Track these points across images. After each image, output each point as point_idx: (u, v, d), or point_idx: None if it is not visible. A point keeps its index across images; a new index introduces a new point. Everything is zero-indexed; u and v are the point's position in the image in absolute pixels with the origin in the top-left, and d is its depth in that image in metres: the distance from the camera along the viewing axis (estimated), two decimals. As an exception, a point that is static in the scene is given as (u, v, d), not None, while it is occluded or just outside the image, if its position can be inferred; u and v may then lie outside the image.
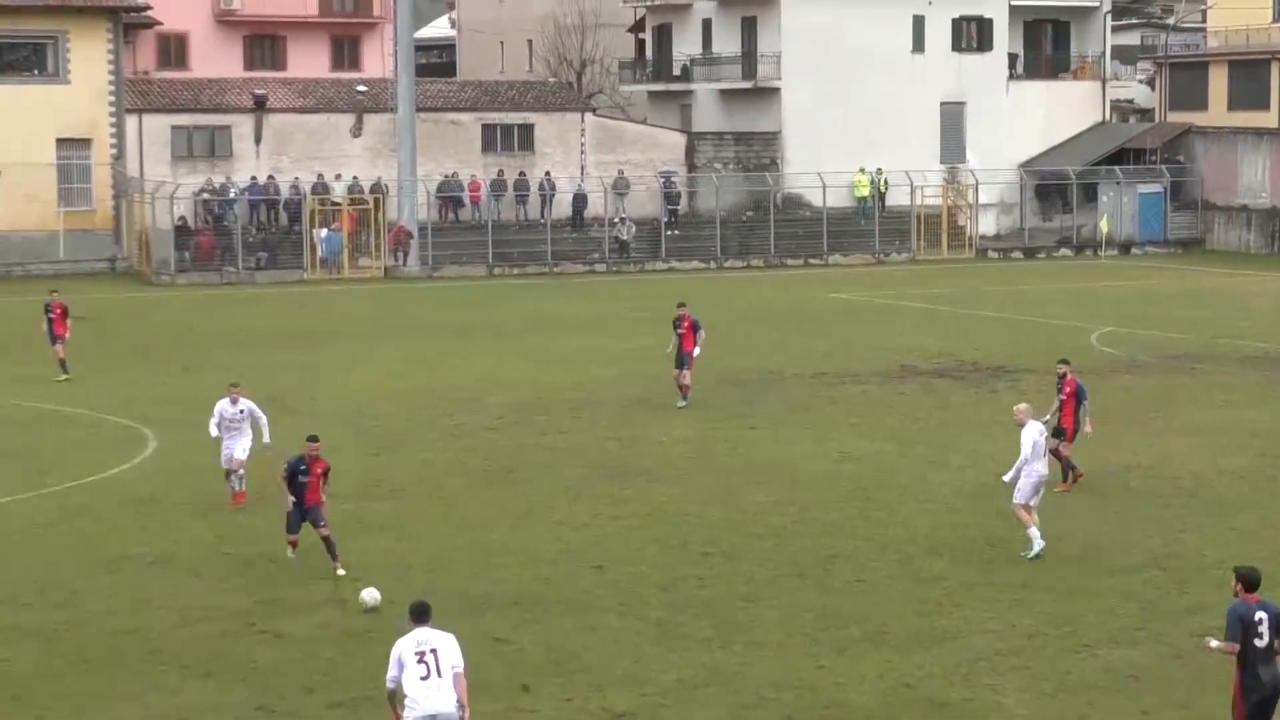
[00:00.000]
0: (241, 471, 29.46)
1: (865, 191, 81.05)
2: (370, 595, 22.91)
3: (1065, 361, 31.41)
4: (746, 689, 20.18)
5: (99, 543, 26.58)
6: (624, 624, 22.65)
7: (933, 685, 20.30)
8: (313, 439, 26.01)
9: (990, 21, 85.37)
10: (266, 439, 29.48)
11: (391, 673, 16.31)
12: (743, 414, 38.55)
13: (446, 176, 77.62)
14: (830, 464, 33.04)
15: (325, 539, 24.99)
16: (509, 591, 24.15)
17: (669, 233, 78.15)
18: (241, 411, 29.50)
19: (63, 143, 74.64)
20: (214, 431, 29.49)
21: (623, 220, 77.34)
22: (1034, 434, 26.13)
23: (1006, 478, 26.34)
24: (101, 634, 22.16)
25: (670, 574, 25.06)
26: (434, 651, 16.18)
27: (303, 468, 25.26)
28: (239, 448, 29.32)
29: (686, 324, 39.55)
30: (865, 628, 22.42)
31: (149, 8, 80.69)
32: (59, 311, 44.91)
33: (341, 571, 24.60)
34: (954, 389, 41.53)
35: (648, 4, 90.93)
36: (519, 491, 30.74)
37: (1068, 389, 30.38)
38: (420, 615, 16.54)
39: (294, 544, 25.46)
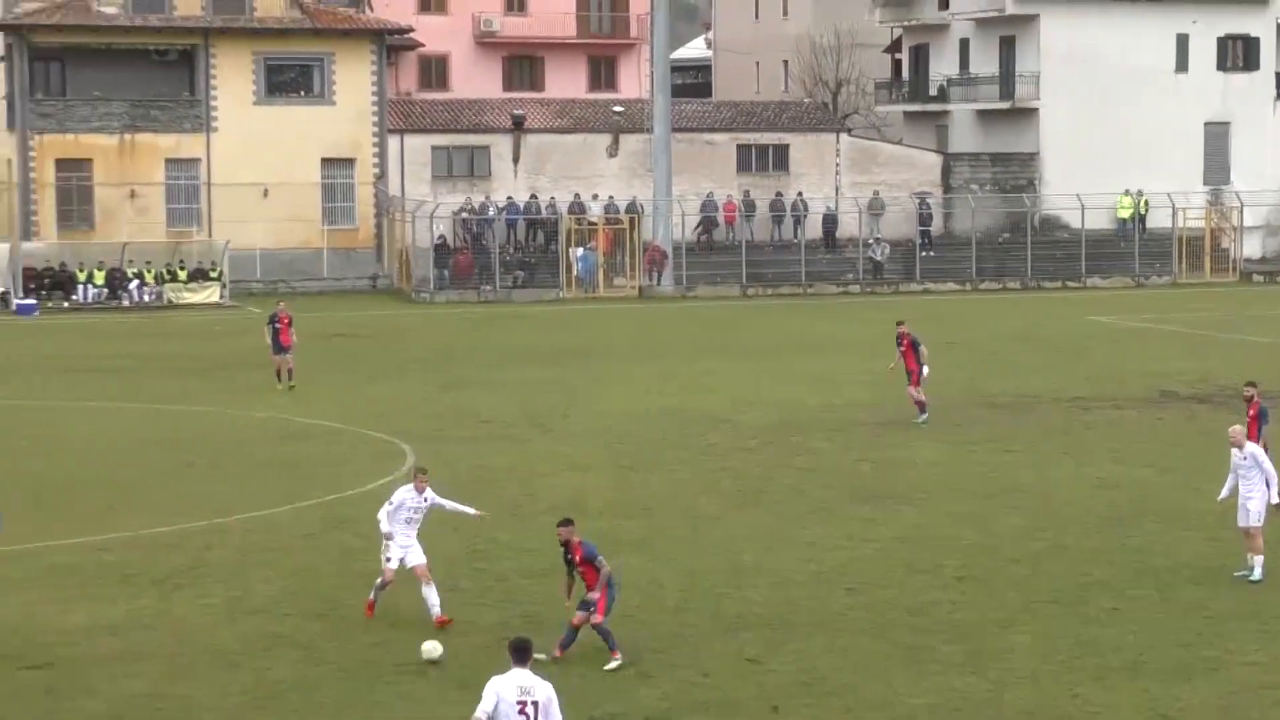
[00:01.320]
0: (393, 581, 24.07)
1: (1128, 214, 79.69)
2: (431, 648, 21.84)
3: (1253, 384, 30.76)
4: (999, 717, 19.89)
5: (358, 555, 27.03)
6: (875, 647, 22.47)
7: (1193, 718, 19.84)
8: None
9: (1256, 40, 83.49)
10: (473, 511, 25.12)
11: (485, 708, 15.47)
12: (998, 438, 38.08)
13: (703, 197, 77.92)
14: (1087, 490, 32.49)
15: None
16: (760, 612, 24.09)
17: (924, 254, 77.57)
18: (426, 501, 24.07)
19: (327, 162, 76.36)
20: (384, 525, 23.80)
21: (877, 241, 76.96)
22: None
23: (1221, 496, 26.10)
24: (359, 645, 22.54)
25: (921, 598, 24.81)
26: (536, 704, 15.52)
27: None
28: (412, 555, 23.64)
29: (906, 342, 39.77)
30: (1123, 657, 21.98)
31: (411, 30, 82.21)
32: (285, 322, 46.00)
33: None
34: (1215, 415, 40.55)
35: (904, 24, 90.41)
36: (771, 512, 30.68)
37: (1252, 411, 29.82)
38: (521, 655, 15.83)
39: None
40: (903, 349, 39.88)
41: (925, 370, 39.66)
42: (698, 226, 77.49)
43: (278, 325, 46.02)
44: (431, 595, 23.40)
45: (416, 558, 23.59)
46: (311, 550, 27.93)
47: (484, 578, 26.06)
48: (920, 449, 36.68)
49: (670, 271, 74.42)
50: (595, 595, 21.77)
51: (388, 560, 23.77)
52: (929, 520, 29.83)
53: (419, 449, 36.70)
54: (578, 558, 21.93)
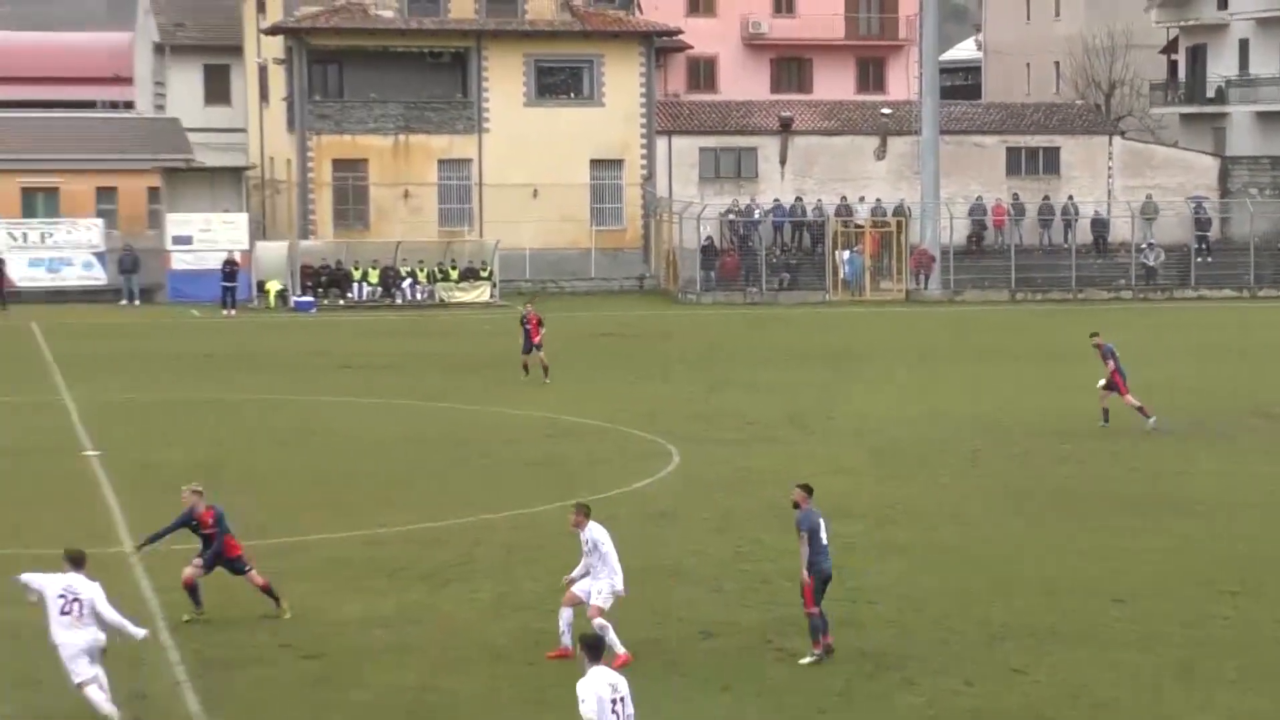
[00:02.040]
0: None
1: None
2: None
3: None
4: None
5: (621, 554, 27.18)
6: (1144, 660, 22.04)
7: None
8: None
9: None
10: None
11: (590, 711, 15.39)
12: (1275, 449, 37.12)
13: (971, 200, 77.13)
14: (1368, 503, 31.55)
15: None
16: (1027, 622, 23.76)
17: (1199, 260, 75.90)
18: (588, 544, 22.25)
19: (596, 164, 77.05)
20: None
21: (1150, 246, 75.49)
22: None
23: None
24: (623, 641, 22.65)
25: (1195, 610, 24.27)
26: (623, 699, 15.59)
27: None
28: (595, 591, 21.91)
29: (1101, 352, 39.44)
30: (1405, 677, 21.29)
31: (680, 32, 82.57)
32: (534, 322, 47.10)
33: None
34: None
35: (1181, 24, 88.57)
36: (1037, 520, 30.26)
37: None
38: (597, 653, 15.83)
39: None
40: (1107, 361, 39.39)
41: (1104, 380, 39.19)
42: (970, 233, 76.73)
43: (527, 326, 47.15)
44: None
45: (599, 597, 21.93)
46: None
47: (748, 579, 26.06)
48: (1193, 458, 35.93)
49: (937, 275, 73.79)
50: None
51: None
52: (1201, 531, 29.19)
53: (683, 449, 36.86)
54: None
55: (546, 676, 21.33)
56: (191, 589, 23.74)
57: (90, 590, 19.51)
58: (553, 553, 27.75)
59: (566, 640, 21.77)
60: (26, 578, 19.85)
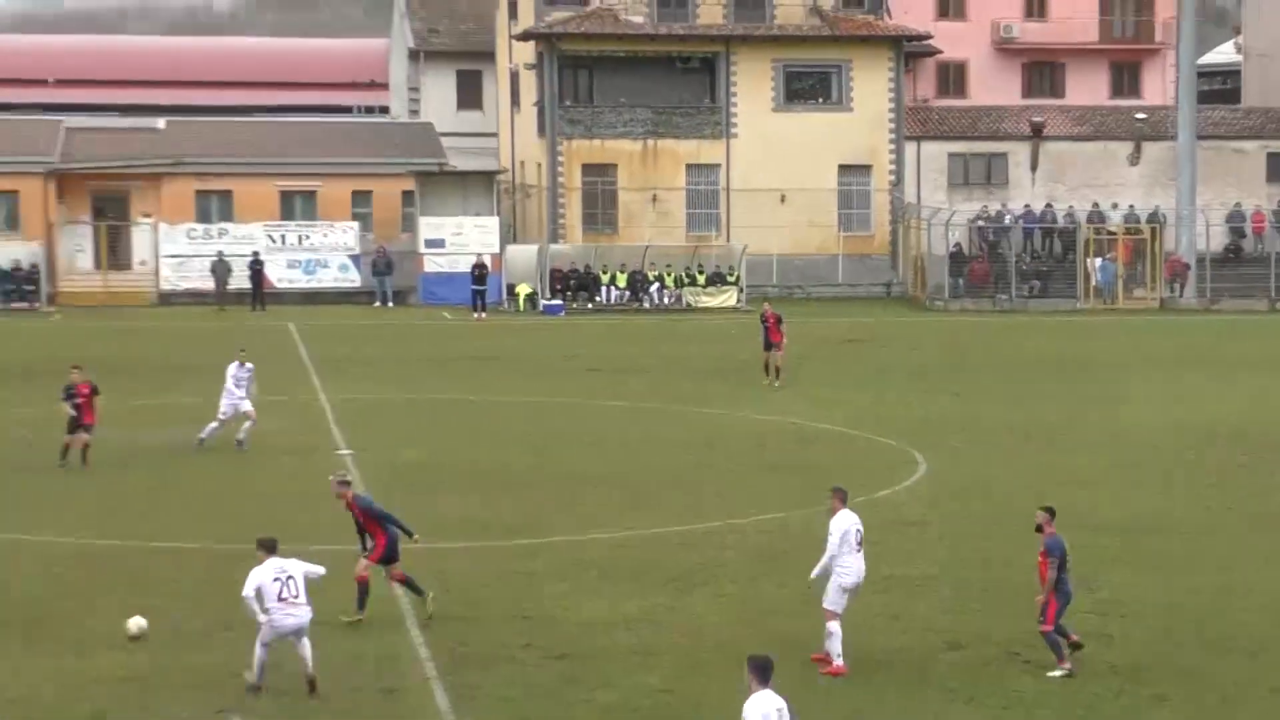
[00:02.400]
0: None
1: None
2: (135, 623, 21.63)
3: None
4: None
5: (869, 562, 27.09)
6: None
7: None
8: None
9: None
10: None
11: None
12: None
13: (1229, 207, 75.51)
14: None
15: None
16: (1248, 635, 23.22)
17: None
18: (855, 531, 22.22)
19: (844, 169, 76.80)
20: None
21: None
22: None
23: None
24: (869, 650, 22.58)
25: None
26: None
27: None
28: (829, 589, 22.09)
29: None
30: None
31: (930, 37, 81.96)
32: (773, 321, 47.82)
33: None
34: None
35: None
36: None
37: None
38: (766, 674, 15.76)
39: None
40: None
41: None
42: (1228, 242, 75.15)
43: (766, 324, 47.83)
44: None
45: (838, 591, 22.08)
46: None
47: (995, 590, 25.79)
48: None
49: (1193, 283, 72.35)
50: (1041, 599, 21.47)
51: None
52: None
53: (930, 457, 36.62)
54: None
55: (789, 682, 21.31)
56: (364, 587, 23.77)
57: (293, 566, 20.85)
58: (799, 558, 27.68)
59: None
60: (248, 593, 20.58)
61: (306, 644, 20.63)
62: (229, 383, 37.99)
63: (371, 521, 24.02)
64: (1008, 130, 78.83)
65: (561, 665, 22.04)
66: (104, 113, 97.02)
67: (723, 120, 76.92)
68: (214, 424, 37.68)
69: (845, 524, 22.11)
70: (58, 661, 21.86)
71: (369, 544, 23.97)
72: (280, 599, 20.50)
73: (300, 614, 20.60)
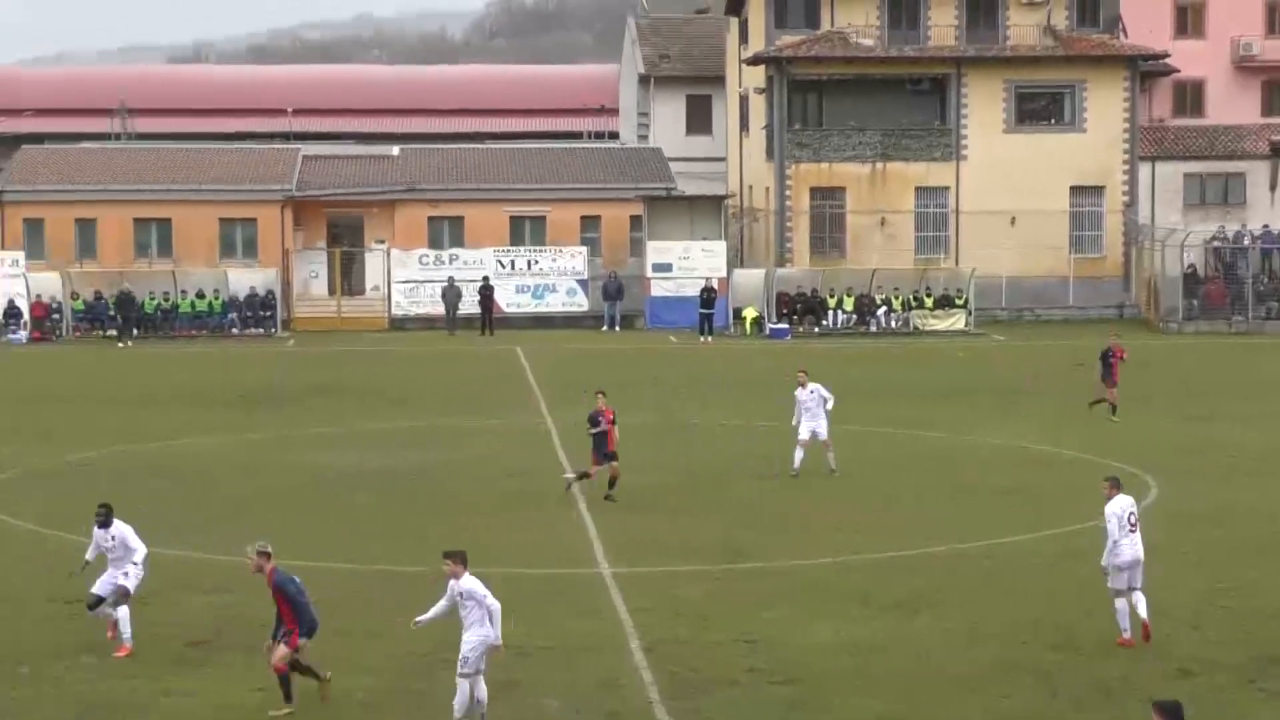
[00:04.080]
0: None
1: None
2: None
3: None
4: None
5: (1095, 587, 26.60)
6: None
7: None
8: None
9: None
10: None
11: None
12: None
13: None
14: None
15: None
16: None
17: None
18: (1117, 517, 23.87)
19: (1076, 190, 75.79)
20: None
21: None
22: None
23: None
24: (1095, 678, 22.14)
25: None
26: None
27: None
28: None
29: None
30: None
31: (1167, 55, 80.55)
32: (1119, 355, 45.63)
33: None
34: None
35: None
36: None
37: None
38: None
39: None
40: None
41: None
42: None
43: (1111, 359, 45.55)
44: None
45: None
46: (1050, 579, 27.65)
47: (1228, 617, 25.16)
48: None
49: None
50: None
51: None
52: None
53: (1161, 481, 35.88)
54: None
55: (1018, 710, 20.97)
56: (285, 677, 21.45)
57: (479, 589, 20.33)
58: (1026, 584, 27.32)
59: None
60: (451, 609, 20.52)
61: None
62: (802, 405, 37.46)
63: (285, 602, 21.01)
64: (1246, 150, 77.23)
65: (785, 690, 21.87)
66: (339, 141, 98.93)
67: (953, 142, 76.29)
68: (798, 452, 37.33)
69: (1118, 508, 23.63)
70: (296, 682, 22.12)
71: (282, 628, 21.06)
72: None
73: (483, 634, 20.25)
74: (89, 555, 24.01)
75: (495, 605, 20.21)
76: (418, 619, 20.94)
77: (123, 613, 23.39)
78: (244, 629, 24.01)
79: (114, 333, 70.36)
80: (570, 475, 36.17)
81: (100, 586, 23.63)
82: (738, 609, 25.78)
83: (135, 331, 70.31)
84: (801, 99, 77.40)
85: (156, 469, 38.70)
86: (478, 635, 20.12)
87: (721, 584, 27.44)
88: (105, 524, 23.67)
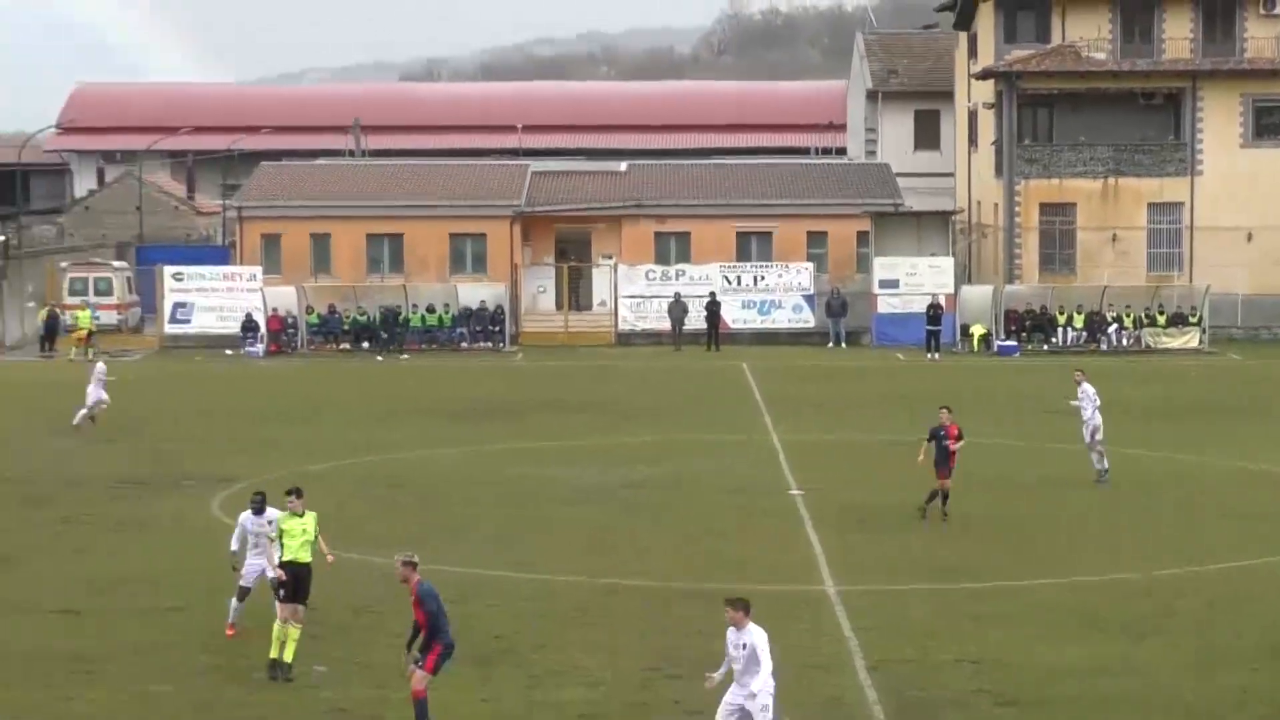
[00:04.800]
0: None
1: None
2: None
3: None
4: None
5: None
6: None
7: None
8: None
9: None
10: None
11: None
12: None
13: None
14: None
15: None
16: None
17: None
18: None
19: (1313, 207, 74.25)
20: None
21: None
22: None
23: None
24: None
25: None
26: None
27: None
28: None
29: None
30: None
31: None
32: None
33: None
34: None
35: None
36: None
37: None
38: None
39: None
40: None
41: None
42: None
43: None
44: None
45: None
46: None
47: None
48: None
49: None
50: None
51: None
52: None
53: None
54: None
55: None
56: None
57: (757, 637, 19.03)
58: (1260, 609, 26.77)
59: None
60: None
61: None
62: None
63: (423, 615, 20.74)
64: None
65: (1010, 712, 21.67)
66: (568, 157, 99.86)
67: (1187, 157, 75.02)
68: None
69: None
70: (521, 693, 22.42)
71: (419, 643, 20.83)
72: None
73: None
74: (234, 545, 25.03)
75: (768, 664, 18.83)
76: (710, 675, 19.56)
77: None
78: (474, 640, 24.35)
79: (349, 346, 71.67)
80: (795, 493, 36.14)
81: (248, 578, 24.76)
82: (963, 629, 25.59)
83: (393, 347, 71.39)
84: (1031, 113, 76.57)
85: (389, 480, 39.36)
86: (763, 683, 18.82)
87: (947, 603, 27.25)
88: (260, 510, 24.61)
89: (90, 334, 69.69)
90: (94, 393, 47.36)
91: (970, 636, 25.10)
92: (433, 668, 20.49)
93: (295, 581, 23.35)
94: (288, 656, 22.92)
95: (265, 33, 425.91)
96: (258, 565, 24.63)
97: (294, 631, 23.08)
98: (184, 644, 24.66)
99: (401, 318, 72.75)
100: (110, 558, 30.73)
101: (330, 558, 24.75)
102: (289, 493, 24.15)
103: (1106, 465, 38.35)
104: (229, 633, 24.93)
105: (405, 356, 69.40)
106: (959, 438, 34.43)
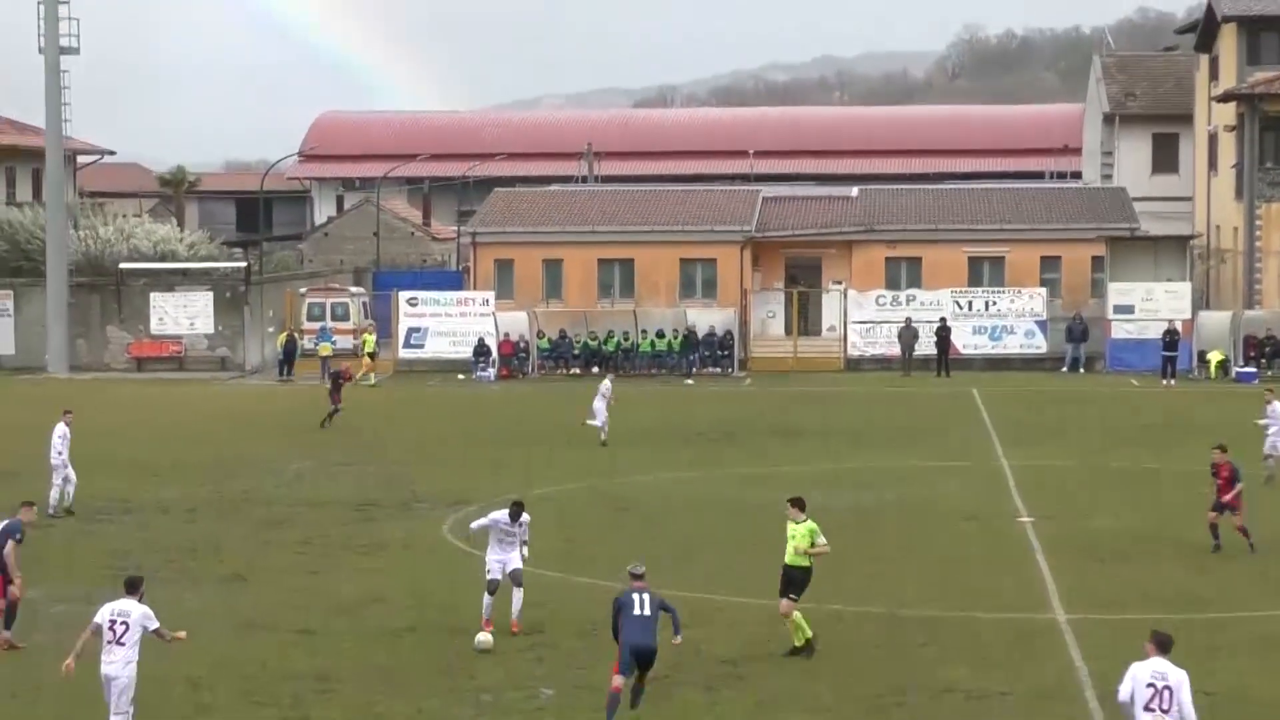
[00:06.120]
0: None
1: None
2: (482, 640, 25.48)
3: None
4: None
5: None
6: None
7: None
8: None
9: None
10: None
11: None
12: None
13: None
14: None
15: None
16: None
17: None
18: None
19: None
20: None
21: None
22: None
23: None
24: None
25: None
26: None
27: None
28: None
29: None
30: None
31: None
32: None
33: None
34: None
35: None
36: None
37: None
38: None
39: None
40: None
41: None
42: None
43: None
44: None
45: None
46: None
47: None
48: None
49: None
50: None
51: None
52: None
53: None
54: None
55: None
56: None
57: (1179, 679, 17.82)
58: None
59: None
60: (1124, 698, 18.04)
61: None
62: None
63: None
64: None
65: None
66: (799, 182, 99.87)
67: None
68: None
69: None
70: (747, 717, 22.43)
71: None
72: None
73: None
74: (474, 526, 27.28)
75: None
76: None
77: (518, 596, 26.39)
78: (702, 665, 24.42)
79: (579, 370, 72.34)
80: (1024, 519, 35.68)
81: (494, 572, 26.39)
82: (1195, 660, 24.94)
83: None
84: (1274, 136, 74.95)
85: (616, 502, 39.61)
86: None
87: (1180, 634, 26.66)
88: (516, 516, 26.63)
89: (372, 356, 70.87)
90: (600, 409, 50.12)
91: (1202, 668, 24.55)
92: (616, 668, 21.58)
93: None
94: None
95: (499, 61, 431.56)
96: (501, 559, 26.47)
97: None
98: (415, 664, 25.03)
99: (630, 343, 73.27)
100: (345, 579, 31.28)
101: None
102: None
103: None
104: (487, 628, 25.94)
105: (690, 381, 69.78)
106: (1230, 480, 33.33)
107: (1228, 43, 78.09)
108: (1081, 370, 71.03)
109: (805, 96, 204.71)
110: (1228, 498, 33.31)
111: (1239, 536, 33.24)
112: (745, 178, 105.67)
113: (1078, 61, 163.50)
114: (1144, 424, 54.19)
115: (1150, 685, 17.32)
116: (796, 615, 25.16)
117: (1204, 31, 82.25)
